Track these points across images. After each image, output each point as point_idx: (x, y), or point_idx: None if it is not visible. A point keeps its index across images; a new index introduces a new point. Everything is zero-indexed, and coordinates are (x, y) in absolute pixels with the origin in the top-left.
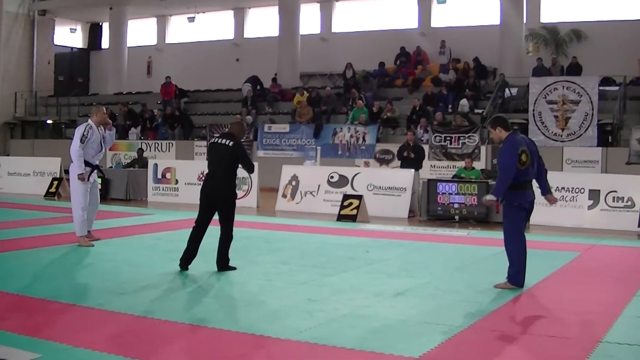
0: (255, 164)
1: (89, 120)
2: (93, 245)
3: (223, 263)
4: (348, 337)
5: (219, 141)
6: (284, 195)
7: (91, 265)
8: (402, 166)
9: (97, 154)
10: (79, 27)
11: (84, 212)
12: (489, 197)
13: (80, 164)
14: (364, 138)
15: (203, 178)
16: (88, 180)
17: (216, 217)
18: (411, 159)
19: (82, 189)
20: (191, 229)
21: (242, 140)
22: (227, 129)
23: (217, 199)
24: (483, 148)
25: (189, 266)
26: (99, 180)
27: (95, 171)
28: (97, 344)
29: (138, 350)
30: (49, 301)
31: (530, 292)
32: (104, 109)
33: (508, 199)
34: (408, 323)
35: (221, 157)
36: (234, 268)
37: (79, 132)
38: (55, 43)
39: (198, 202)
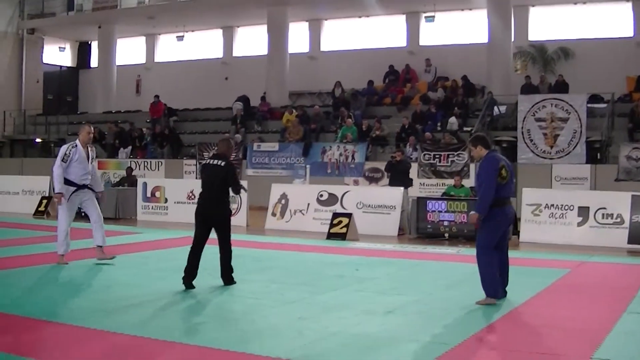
0: (245, 183)
1: (77, 140)
2: (67, 264)
3: (228, 278)
4: (339, 355)
5: (211, 162)
6: (274, 214)
7: (80, 284)
8: (391, 182)
9: (85, 174)
10: (67, 46)
11: (63, 232)
12: (472, 212)
13: (58, 184)
14: (353, 156)
15: (195, 198)
16: (68, 200)
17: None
18: (398, 170)
19: (63, 208)
20: (190, 247)
21: (232, 157)
22: (215, 149)
23: (213, 219)
24: (472, 166)
25: (193, 282)
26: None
27: (86, 190)
28: None
29: None
30: (37, 320)
31: (520, 308)
32: (89, 127)
33: (487, 214)
34: (399, 341)
35: (214, 178)
36: (234, 282)
37: (61, 151)
38: (44, 62)
39: (187, 221)
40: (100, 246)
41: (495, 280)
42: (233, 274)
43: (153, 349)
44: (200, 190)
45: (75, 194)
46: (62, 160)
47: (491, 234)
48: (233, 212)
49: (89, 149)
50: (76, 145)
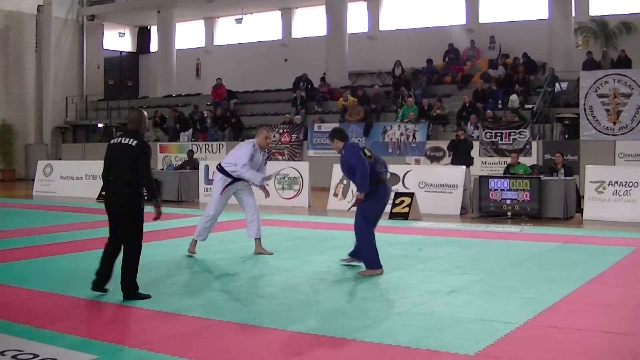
0: (306, 164)
1: (254, 140)
2: (194, 253)
3: (128, 289)
4: (403, 335)
5: (121, 141)
6: (336, 194)
7: (143, 266)
8: (453, 161)
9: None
10: (127, 31)
11: (206, 221)
12: (358, 193)
13: (255, 178)
14: (414, 136)
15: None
16: (222, 192)
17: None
18: (461, 150)
19: (214, 198)
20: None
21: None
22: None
23: (118, 208)
24: (534, 143)
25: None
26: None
27: (242, 181)
28: (152, 345)
29: (192, 351)
30: (103, 302)
31: (585, 287)
32: (267, 132)
33: (371, 190)
34: (463, 320)
35: (122, 159)
36: (147, 296)
37: (248, 152)
38: (104, 47)
39: None
40: (258, 238)
41: (376, 251)
42: (137, 289)
43: (218, 331)
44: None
45: (231, 186)
46: (250, 160)
47: (374, 208)
48: (295, 193)
49: (262, 153)
50: (257, 148)
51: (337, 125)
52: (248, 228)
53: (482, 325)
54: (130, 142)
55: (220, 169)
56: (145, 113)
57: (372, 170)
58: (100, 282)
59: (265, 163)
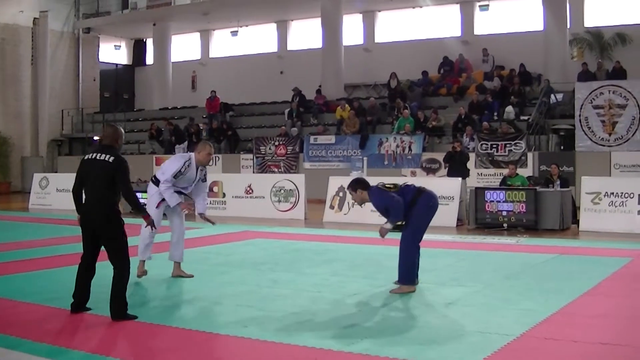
0: (302, 176)
1: (192, 155)
2: (145, 274)
3: (117, 310)
4: (400, 347)
5: (97, 156)
6: (332, 207)
7: (144, 280)
8: (449, 173)
9: (182, 189)
10: (123, 44)
11: (142, 237)
12: (387, 225)
13: (174, 200)
14: (410, 147)
15: (253, 192)
16: (159, 205)
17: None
18: (457, 161)
19: (152, 214)
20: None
21: (120, 151)
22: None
23: (96, 227)
24: (530, 155)
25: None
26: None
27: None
28: (144, 357)
29: None
30: (104, 317)
31: (582, 298)
32: (210, 148)
33: (419, 204)
34: (461, 332)
35: (98, 176)
36: (134, 317)
37: (176, 167)
38: (100, 60)
39: (246, 215)
40: (178, 263)
41: (413, 268)
42: (127, 309)
43: (213, 343)
44: (83, 190)
45: (163, 203)
46: (174, 177)
47: (423, 219)
48: (291, 206)
49: (199, 170)
50: (191, 164)
51: (332, 137)
52: (172, 250)
53: (479, 337)
54: (106, 158)
55: (155, 180)
56: (122, 129)
57: (405, 192)
58: (79, 304)
59: (205, 180)
